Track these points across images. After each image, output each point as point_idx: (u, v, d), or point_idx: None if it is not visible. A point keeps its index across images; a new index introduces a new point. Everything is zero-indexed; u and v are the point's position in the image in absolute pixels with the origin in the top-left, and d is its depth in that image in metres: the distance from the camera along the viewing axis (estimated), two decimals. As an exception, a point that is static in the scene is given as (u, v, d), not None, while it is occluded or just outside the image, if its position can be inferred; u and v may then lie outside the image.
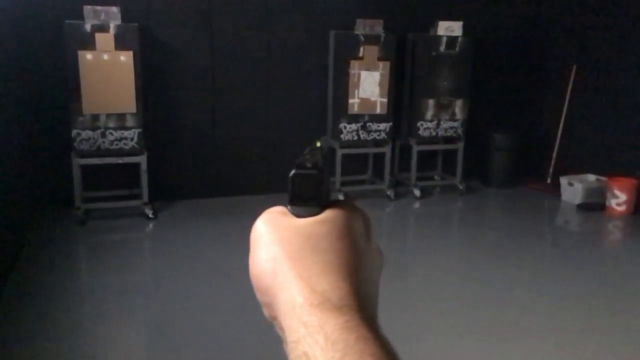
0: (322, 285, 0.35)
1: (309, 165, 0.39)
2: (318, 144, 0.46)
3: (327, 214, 0.39)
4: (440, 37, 5.68)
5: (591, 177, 5.91)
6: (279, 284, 0.37)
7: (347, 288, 0.35)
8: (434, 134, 5.89)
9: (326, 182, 0.41)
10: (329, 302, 0.34)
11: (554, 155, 6.36)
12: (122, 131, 4.74)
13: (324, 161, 0.41)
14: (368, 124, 5.59)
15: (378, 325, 0.36)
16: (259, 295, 0.39)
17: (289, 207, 0.40)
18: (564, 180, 5.88)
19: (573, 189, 5.75)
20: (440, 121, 5.86)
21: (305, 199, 0.39)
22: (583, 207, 5.59)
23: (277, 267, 0.37)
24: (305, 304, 0.34)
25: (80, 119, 4.63)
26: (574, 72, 6.12)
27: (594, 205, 5.57)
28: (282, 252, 0.37)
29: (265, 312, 0.39)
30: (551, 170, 6.34)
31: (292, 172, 0.39)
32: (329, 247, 0.37)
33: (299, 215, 0.39)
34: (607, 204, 5.49)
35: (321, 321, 0.33)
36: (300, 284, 0.35)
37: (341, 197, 5.36)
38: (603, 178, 5.71)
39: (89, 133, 4.66)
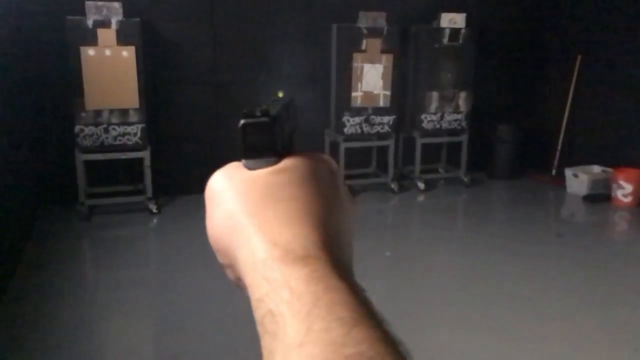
0: (284, 236, 0.32)
1: (258, 113, 0.36)
2: (280, 95, 0.43)
3: (287, 162, 0.36)
4: (443, 29, 5.65)
5: (597, 169, 5.88)
6: (238, 242, 0.34)
7: (312, 237, 0.32)
8: (437, 126, 5.86)
9: (285, 131, 0.38)
10: (292, 254, 0.31)
11: (559, 146, 6.32)
12: (125, 127, 4.74)
13: (281, 109, 0.38)
14: (371, 117, 5.57)
15: (351, 273, 0.33)
16: (219, 257, 0.36)
17: (243, 161, 0.37)
18: (569, 172, 5.85)
19: (578, 181, 5.72)
20: (444, 114, 5.84)
21: (260, 150, 0.36)
22: (589, 199, 5.57)
23: (234, 224, 0.34)
24: (267, 258, 0.31)
25: (83, 114, 4.62)
26: (579, 62, 6.08)
27: (600, 197, 5.54)
28: (239, 207, 0.34)
29: (229, 275, 0.36)
30: (556, 161, 6.31)
31: (241, 122, 0.36)
32: (290, 196, 0.34)
33: (254, 169, 0.36)
34: (612, 195, 5.46)
35: (285, 275, 0.30)
36: (261, 237, 0.32)
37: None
38: (609, 169, 5.67)
39: (92, 129, 4.66)
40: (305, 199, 0.34)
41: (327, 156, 0.40)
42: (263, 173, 0.36)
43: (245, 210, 0.34)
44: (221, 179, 0.37)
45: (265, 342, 0.29)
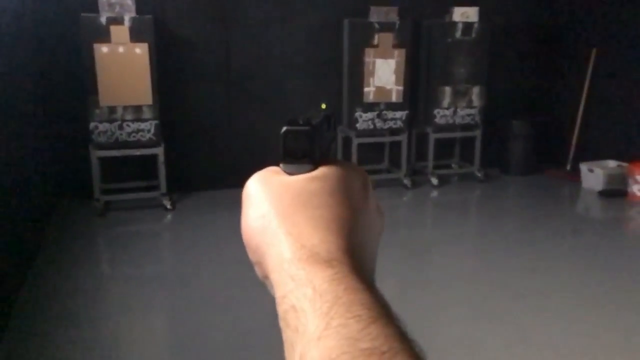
0: (311, 240, 0.34)
1: (301, 122, 0.38)
2: (323, 106, 0.45)
3: (321, 170, 0.39)
4: (455, 23, 5.61)
5: (612, 163, 5.81)
6: (268, 241, 0.36)
7: (337, 243, 0.34)
8: (451, 121, 5.83)
9: (324, 141, 0.40)
10: (317, 256, 0.33)
11: (574, 141, 6.26)
12: (139, 123, 4.77)
13: (322, 120, 0.40)
14: (384, 112, 5.56)
15: (372, 279, 0.36)
16: (250, 254, 0.38)
17: (281, 165, 0.39)
18: (584, 167, 5.79)
19: (594, 176, 5.66)
20: (457, 109, 5.80)
21: (298, 157, 0.38)
22: (604, 194, 5.51)
23: (266, 224, 0.37)
24: (294, 258, 0.34)
25: (97, 111, 4.66)
26: (594, 55, 6.01)
27: (616, 192, 5.48)
28: (272, 209, 0.37)
29: (257, 272, 0.38)
30: (571, 156, 6.25)
31: (284, 128, 0.38)
32: (321, 203, 0.37)
33: (291, 173, 0.39)
34: (628, 190, 5.40)
35: (309, 274, 0.32)
36: (289, 239, 0.35)
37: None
38: (624, 164, 5.61)
39: (107, 125, 4.70)
40: (335, 208, 0.37)
41: (359, 167, 0.42)
42: (298, 179, 0.38)
43: (278, 212, 0.36)
44: (258, 182, 0.39)
45: (287, 336, 0.31)
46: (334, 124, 0.45)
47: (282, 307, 0.32)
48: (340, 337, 0.29)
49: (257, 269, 0.38)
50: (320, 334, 0.29)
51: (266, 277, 0.37)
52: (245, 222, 0.39)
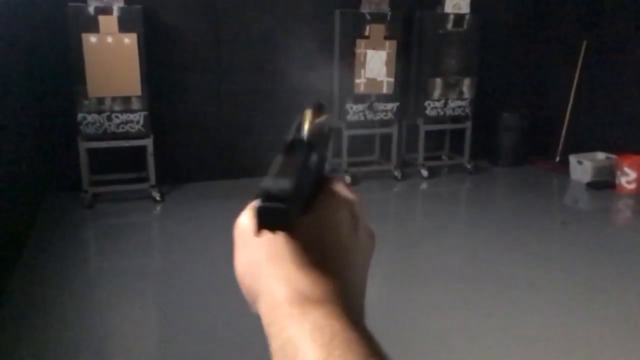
0: (301, 285, 0.36)
1: (273, 191, 0.34)
2: (308, 114, 0.41)
3: (307, 218, 0.38)
4: (447, 14, 5.60)
5: (601, 155, 5.86)
6: (259, 287, 0.37)
7: (327, 286, 0.36)
8: (441, 113, 5.83)
9: (309, 179, 0.38)
10: (309, 299, 0.35)
11: (563, 133, 6.29)
12: (128, 114, 4.73)
13: (300, 175, 0.36)
14: (374, 104, 5.55)
15: (362, 314, 0.38)
16: (244, 293, 0.40)
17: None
18: (573, 159, 5.83)
19: (582, 168, 5.70)
20: (447, 100, 5.81)
21: (275, 229, 0.36)
22: (592, 186, 5.55)
23: (257, 270, 0.38)
24: (286, 302, 0.35)
25: (86, 102, 4.61)
26: (584, 48, 6.03)
27: (604, 184, 5.52)
28: (262, 256, 0.38)
29: (252, 308, 0.40)
30: (560, 148, 6.28)
31: (257, 204, 0.35)
32: (308, 249, 0.37)
33: None
34: (617, 182, 5.44)
35: (306, 311, 0.34)
36: (281, 284, 0.36)
37: (347, 178, 5.36)
38: (613, 156, 5.65)
39: (95, 117, 4.65)
40: (322, 251, 0.38)
41: (347, 198, 0.41)
42: None
43: (267, 259, 0.38)
44: (248, 222, 0.39)
45: None
46: (326, 138, 0.43)
47: (277, 342, 0.33)
48: None
49: (251, 306, 0.40)
50: None
51: (259, 315, 0.38)
52: (237, 264, 0.40)
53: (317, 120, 0.41)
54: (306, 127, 0.40)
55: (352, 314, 0.35)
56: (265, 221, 0.35)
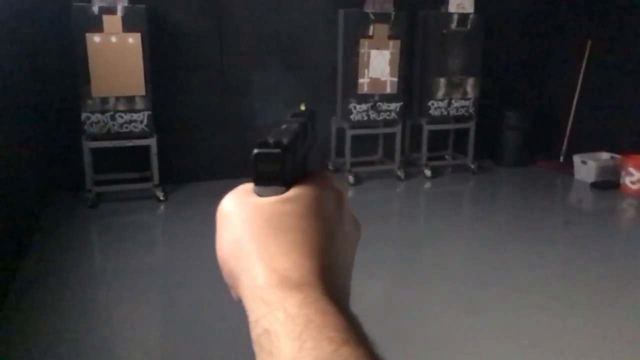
0: (282, 264, 0.35)
1: (271, 141, 0.38)
2: (302, 107, 0.45)
3: (293, 191, 0.39)
4: (451, 14, 5.59)
5: (605, 155, 5.83)
6: (241, 267, 0.37)
7: (309, 266, 0.35)
8: (445, 113, 5.82)
9: (298, 156, 0.40)
10: (289, 281, 0.34)
11: (567, 133, 6.27)
12: (132, 114, 4.74)
13: (295, 134, 0.40)
14: (378, 103, 5.54)
15: (343, 298, 0.36)
16: (225, 278, 0.39)
17: (254, 187, 0.39)
18: (577, 159, 5.81)
19: (586, 168, 5.68)
20: (451, 100, 5.80)
21: (270, 179, 0.38)
22: (597, 186, 5.53)
23: (239, 249, 0.37)
24: (265, 284, 0.34)
25: (90, 102, 4.62)
26: (588, 47, 6.00)
27: (608, 184, 5.50)
28: (245, 233, 0.37)
29: (232, 294, 0.39)
30: (564, 148, 6.26)
31: (254, 151, 0.38)
32: (293, 226, 0.37)
33: (263, 195, 0.39)
34: (621, 182, 5.42)
35: (281, 299, 0.33)
36: (261, 265, 0.35)
37: (351, 178, 5.35)
38: (617, 156, 5.63)
39: (99, 116, 4.66)
40: (306, 230, 0.37)
41: (335, 181, 0.42)
42: (270, 202, 0.38)
43: (250, 237, 0.37)
44: (231, 203, 0.39)
45: (261, 359, 0.33)
46: (312, 127, 0.45)
47: (255, 332, 0.33)
48: (313, 359, 0.30)
49: (231, 291, 0.39)
50: (294, 356, 0.30)
51: (239, 299, 0.37)
52: (219, 246, 0.39)
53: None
54: (302, 108, 0.43)
55: (333, 295, 0.34)
56: (262, 169, 0.38)
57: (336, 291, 0.35)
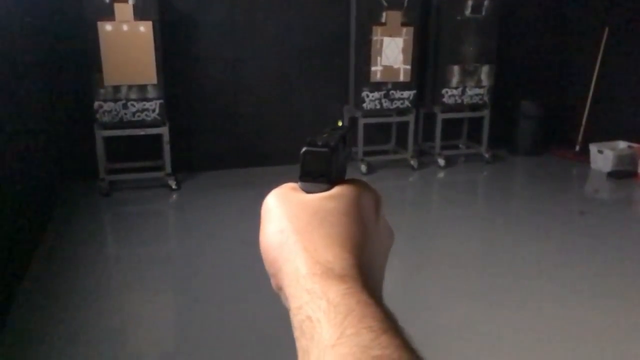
0: (326, 256, 0.37)
1: (319, 143, 0.40)
2: (340, 124, 0.44)
3: (336, 190, 0.41)
4: (465, 0, 5.50)
5: (622, 144, 5.74)
6: (285, 256, 0.38)
7: (350, 260, 0.37)
8: (459, 101, 5.76)
9: (340, 160, 0.42)
10: (331, 272, 0.35)
11: (584, 122, 6.18)
12: (144, 102, 4.73)
13: (339, 140, 0.42)
14: (391, 92, 5.49)
15: (380, 293, 0.38)
16: (266, 267, 0.41)
17: (299, 183, 0.41)
18: (593, 148, 5.72)
19: (603, 157, 5.60)
20: (465, 88, 5.72)
21: (315, 176, 0.40)
22: (613, 175, 5.45)
23: (284, 240, 0.39)
24: (309, 273, 0.36)
25: (102, 90, 4.62)
26: (605, 34, 5.89)
27: (625, 173, 5.42)
28: (290, 225, 0.39)
29: (272, 283, 0.40)
30: (580, 137, 6.17)
31: (303, 148, 0.40)
32: (336, 222, 0.39)
33: (308, 191, 0.41)
34: (638, 171, 5.34)
35: (324, 288, 0.34)
36: (305, 255, 0.37)
37: (363, 167, 5.32)
38: (635, 145, 5.54)
39: (111, 105, 4.66)
40: (348, 226, 0.39)
41: (372, 187, 0.44)
42: (315, 198, 0.40)
43: (295, 229, 0.39)
44: (277, 198, 0.41)
45: (302, 344, 0.34)
46: (349, 141, 0.47)
47: (297, 318, 0.35)
48: (353, 345, 0.31)
49: (272, 280, 0.40)
50: (334, 342, 0.31)
51: (280, 288, 0.39)
52: (263, 236, 0.41)
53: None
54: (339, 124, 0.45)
55: (370, 289, 0.35)
56: (309, 166, 0.40)
57: (372, 285, 0.36)
